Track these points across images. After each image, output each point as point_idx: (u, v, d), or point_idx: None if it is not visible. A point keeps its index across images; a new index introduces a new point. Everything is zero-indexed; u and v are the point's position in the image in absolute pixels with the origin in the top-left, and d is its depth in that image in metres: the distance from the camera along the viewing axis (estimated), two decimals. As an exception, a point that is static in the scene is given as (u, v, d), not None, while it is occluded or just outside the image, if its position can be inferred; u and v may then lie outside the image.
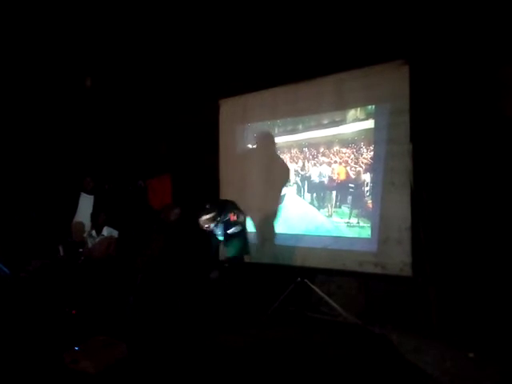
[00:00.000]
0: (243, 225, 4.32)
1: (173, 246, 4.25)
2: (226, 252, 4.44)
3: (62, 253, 4.84)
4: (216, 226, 4.19)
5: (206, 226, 4.16)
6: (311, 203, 4.61)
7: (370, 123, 4.22)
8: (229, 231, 4.21)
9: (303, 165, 4.70)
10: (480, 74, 3.74)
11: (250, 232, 4.75)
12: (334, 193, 4.44)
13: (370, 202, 4.21)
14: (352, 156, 4.32)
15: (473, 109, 3.78)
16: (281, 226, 4.83)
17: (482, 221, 3.71)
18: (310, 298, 4.67)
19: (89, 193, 5.45)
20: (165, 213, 4.52)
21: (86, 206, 5.34)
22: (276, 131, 4.95)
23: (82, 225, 5.20)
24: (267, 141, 4.98)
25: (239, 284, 4.37)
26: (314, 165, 4.61)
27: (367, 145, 4.22)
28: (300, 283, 4.46)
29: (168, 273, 4.13)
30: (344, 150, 4.38)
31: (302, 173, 4.71)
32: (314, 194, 4.61)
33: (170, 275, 4.12)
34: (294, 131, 4.78)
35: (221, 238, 4.31)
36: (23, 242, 5.22)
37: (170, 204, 4.69)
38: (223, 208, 4.24)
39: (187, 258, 4.28)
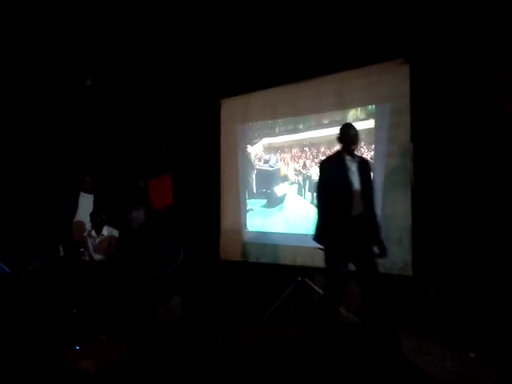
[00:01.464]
0: None
1: (139, 249, 4.16)
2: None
3: (62, 252, 4.84)
4: None
5: None
6: (312, 202, 4.61)
7: (370, 123, 4.21)
8: None
9: (304, 164, 4.70)
10: (481, 73, 3.73)
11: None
12: (335, 192, 4.43)
13: (370, 201, 4.20)
14: (353, 155, 4.31)
15: (473, 108, 3.78)
16: (281, 226, 4.84)
17: (483, 220, 3.71)
18: (311, 297, 4.67)
19: (88, 192, 5.45)
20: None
21: (85, 205, 5.34)
22: (277, 131, 4.95)
23: (81, 224, 5.20)
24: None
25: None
26: (315, 164, 4.61)
27: (368, 144, 4.22)
28: (300, 283, 4.47)
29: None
30: (345, 149, 4.38)
31: (304, 172, 4.71)
32: (315, 194, 4.60)
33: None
34: (294, 131, 4.79)
35: None
36: (24, 241, 5.24)
37: (132, 207, 4.55)
38: None
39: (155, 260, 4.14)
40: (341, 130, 3.40)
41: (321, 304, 3.64)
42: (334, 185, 3.28)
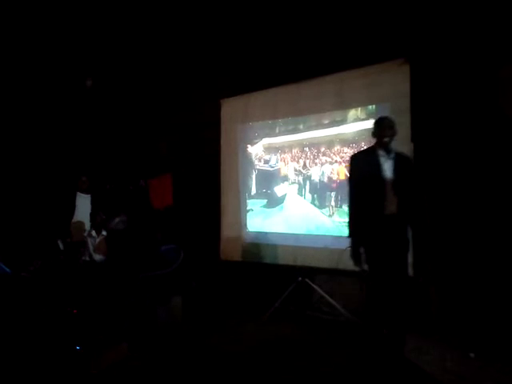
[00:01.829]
0: None
1: (124, 251, 4.20)
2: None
3: (61, 247, 4.83)
4: None
5: None
6: (312, 203, 4.61)
7: (370, 123, 4.16)
8: None
9: (304, 164, 4.70)
10: (481, 73, 3.73)
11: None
12: (335, 192, 4.44)
13: (370, 201, 4.20)
14: (353, 156, 4.31)
15: (474, 108, 3.78)
16: (281, 226, 4.84)
17: (483, 220, 3.71)
18: (311, 297, 4.68)
19: (85, 192, 5.42)
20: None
21: (83, 205, 5.33)
22: (277, 131, 4.95)
23: (80, 224, 5.19)
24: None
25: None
26: (315, 164, 4.61)
27: (368, 144, 4.18)
28: (301, 283, 4.47)
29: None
30: (345, 149, 4.38)
31: (304, 172, 4.71)
32: (315, 194, 4.61)
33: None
34: (295, 131, 4.79)
35: None
36: (24, 241, 5.23)
37: (113, 213, 4.62)
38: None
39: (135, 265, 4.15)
40: (374, 123, 3.17)
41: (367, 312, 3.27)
42: (364, 182, 3.05)
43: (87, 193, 5.44)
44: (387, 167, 3.03)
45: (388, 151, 3.07)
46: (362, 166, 3.12)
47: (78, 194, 5.41)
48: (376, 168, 3.03)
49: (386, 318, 3.07)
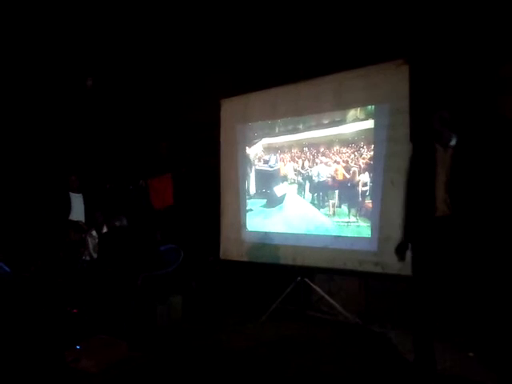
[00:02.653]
0: None
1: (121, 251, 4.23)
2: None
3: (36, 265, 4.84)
4: None
5: None
6: (312, 203, 4.62)
7: (369, 123, 4.21)
8: None
9: (303, 164, 4.71)
10: (481, 73, 3.73)
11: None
12: (335, 192, 4.45)
13: (370, 201, 4.21)
14: (352, 156, 4.33)
15: (473, 109, 3.77)
16: (281, 226, 4.85)
17: (483, 220, 3.70)
18: (310, 297, 4.68)
19: (76, 191, 5.41)
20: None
21: (75, 205, 5.32)
22: (277, 131, 4.95)
23: (78, 224, 5.18)
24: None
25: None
26: (315, 164, 4.62)
27: (367, 145, 4.22)
28: (300, 282, 4.47)
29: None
30: (344, 149, 4.39)
31: (303, 172, 4.71)
32: (315, 194, 4.61)
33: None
34: (294, 131, 4.79)
35: None
36: (24, 241, 5.24)
37: (113, 214, 4.65)
38: None
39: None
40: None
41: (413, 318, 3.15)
42: (416, 180, 2.88)
43: (78, 192, 5.42)
44: (441, 161, 2.79)
45: (444, 144, 2.83)
46: (416, 163, 2.94)
47: (71, 193, 5.40)
48: (428, 164, 2.81)
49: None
